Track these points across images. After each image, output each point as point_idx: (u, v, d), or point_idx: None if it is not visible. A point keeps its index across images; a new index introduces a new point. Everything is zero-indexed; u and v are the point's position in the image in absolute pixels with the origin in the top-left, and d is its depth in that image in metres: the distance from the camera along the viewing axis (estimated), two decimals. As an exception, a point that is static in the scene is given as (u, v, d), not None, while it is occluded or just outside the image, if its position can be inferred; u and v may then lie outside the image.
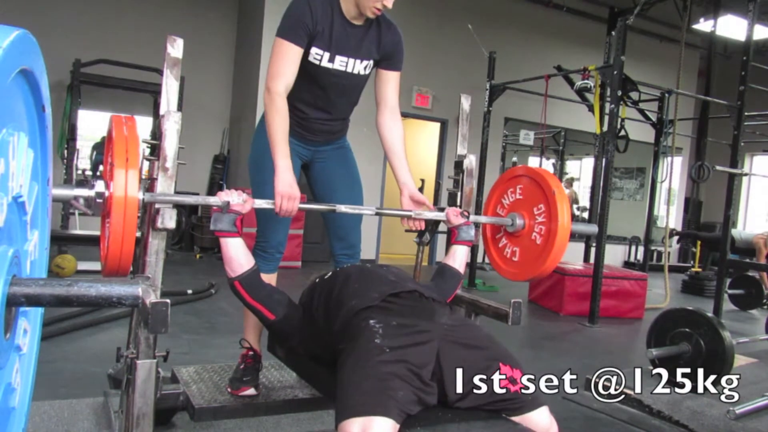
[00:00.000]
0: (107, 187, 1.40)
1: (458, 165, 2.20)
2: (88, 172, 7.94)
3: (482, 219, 2.10)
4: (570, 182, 11.03)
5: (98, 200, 1.40)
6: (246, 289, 1.65)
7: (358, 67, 1.95)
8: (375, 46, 1.96)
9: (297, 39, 1.82)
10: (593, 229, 2.48)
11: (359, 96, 2.09)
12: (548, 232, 1.94)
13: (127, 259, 1.41)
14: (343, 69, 1.93)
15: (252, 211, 1.72)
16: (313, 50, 1.87)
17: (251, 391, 2.00)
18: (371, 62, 1.99)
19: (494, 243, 2.18)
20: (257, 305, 1.68)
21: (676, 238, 10.26)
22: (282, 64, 1.82)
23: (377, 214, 1.95)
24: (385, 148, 2.08)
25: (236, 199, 1.62)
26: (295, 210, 1.73)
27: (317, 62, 1.90)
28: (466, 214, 1.97)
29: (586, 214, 10.01)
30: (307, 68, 1.90)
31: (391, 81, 2.04)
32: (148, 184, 1.60)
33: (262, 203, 1.75)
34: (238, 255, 1.63)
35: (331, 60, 1.90)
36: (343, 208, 1.84)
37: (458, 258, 1.95)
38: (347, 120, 2.16)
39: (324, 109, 2.03)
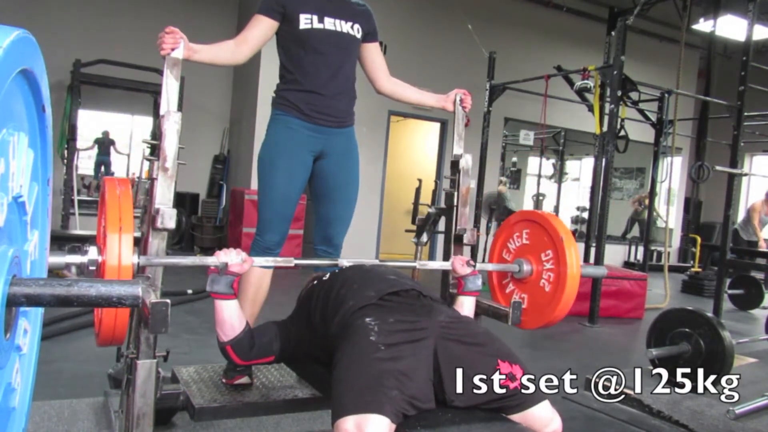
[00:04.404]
0: (100, 252, 1.35)
1: (454, 165, 2.19)
2: (89, 173, 7.95)
3: (489, 267, 2.07)
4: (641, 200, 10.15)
5: (91, 267, 1.34)
6: (237, 353, 1.68)
7: (346, 27, 2.11)
8: (353, 11, 2.16)
9: (267, 12, 2.04)
10: (602, 271, 2.41)
11: (355, 65, 2.21)
12: (557, 279, 1.91)
13: (122, 328, 1.37)
14: (332, 28, 2.09)
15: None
16: (302, 17, 2.05)
17: (245, 380, 2.04)
18: (357, 26, 2.14)
19: (501, 289, 2.14)
20: (252, 362, 1.75)
21: (679, 236, 10.28)
22: (246, 30, 2.05)
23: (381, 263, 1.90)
24: (403, 97, 2.28)
25: (235, 259, 1.59)
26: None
27: (309, 26, 2.05)
28: (472, 263, 1.93)
29: (585, 214, 10.01)
30: (302, 37, 2.05)
31: (374, 50, 2.24)
32: (145, 200, 1.59)
33: (261, 261, 1.77)
34: (231, 318, 1.64)
35: (321, 21, 2.07)
36: (345, 262, 1.83)
37: (466, 309, 1.92)
38: (352, 101, 2.20)
39: (328, 80, 2.09)
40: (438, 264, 2.02)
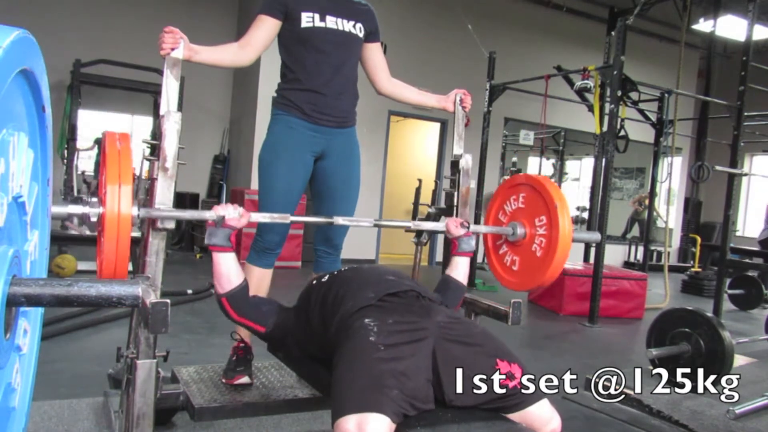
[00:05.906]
0: (101, 203, 1.38)
1: (454, 165, 2.19)
2: (89, 173, 7.93)
3: (482, 229, 2.09)
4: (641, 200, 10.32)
5: (92, 218, 1.38)
6: (233, 306, 1.68)
7: (348, 25, 2.11)
8: (355, 10, 2.16)
9: (270, 11, 2.03)
10: (596, 236, 2.42)
11: (356, 64, 2.19)
12: (549, 243, 1.92)
13: (122, 276, 1.41)
14: (334, 27, 2.08)
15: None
16: (304, 15, 2.04)
17: (245, 380, 2.05)
18: (360, 24, 2.14)
19: (495, 250, 2.16)
20: (245, 321, 1.72)
21: (679, 236, 10.25)
22: (249, 32, 2.03)
23: (375, 226, 1.97)
24: (403, 98, 2.28)
25: (232, 213, 1.61)
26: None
27: (311, 24, 2.05)
28: (466, 224, 1.96)
29: (585, 214, 10.01)
30: (304, 35, 2.05)
31: (376, 50, 2.23)
32: (145, 200, 1.60)
33: (258, 217, 1.75)
34: (229, 271, 1.66)
35: (323, 19, 2.06)
36: (340, 220, 1.87)
37: (461, 270, 1.95)
38: (354, 100, 2.20)
39: (330, 79, 2.09)
40: (432, 225, 2.07)
